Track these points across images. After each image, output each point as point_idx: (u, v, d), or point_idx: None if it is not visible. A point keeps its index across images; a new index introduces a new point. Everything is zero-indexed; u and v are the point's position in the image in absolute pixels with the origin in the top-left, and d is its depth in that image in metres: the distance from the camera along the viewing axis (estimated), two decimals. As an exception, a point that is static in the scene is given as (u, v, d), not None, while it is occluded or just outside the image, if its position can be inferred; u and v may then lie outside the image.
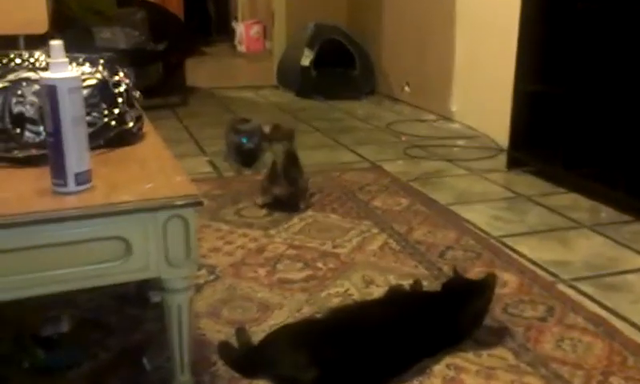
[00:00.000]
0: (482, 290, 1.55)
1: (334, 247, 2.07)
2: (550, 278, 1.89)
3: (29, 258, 1.06)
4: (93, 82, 1.37)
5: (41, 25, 2.00)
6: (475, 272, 1.85)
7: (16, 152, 1.27)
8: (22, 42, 1.98)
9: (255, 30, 7.28)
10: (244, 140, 2.69)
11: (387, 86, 4.70)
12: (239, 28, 7.46)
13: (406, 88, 4.45)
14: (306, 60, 4.62)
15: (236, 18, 7.80)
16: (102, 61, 1.43)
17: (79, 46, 1.42)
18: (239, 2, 7.80)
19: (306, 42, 4.65)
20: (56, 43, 1.11)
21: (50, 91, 1.09)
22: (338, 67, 4.68)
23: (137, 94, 1.47)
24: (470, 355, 1.48)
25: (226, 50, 7.51)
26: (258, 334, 1.52)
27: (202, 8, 8.01)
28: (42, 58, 1.42)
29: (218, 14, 8.27)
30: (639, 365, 1.46)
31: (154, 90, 3.89)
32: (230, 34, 7.76)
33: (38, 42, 1.64)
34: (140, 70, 3.86)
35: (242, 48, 7.32)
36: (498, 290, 1.76)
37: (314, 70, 4.62)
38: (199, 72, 5.20)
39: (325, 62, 4.60)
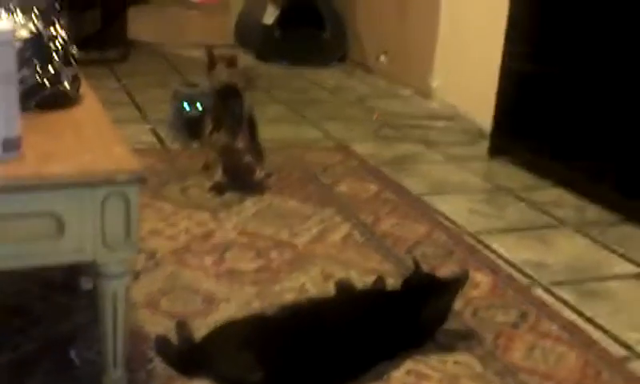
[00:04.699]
0: (446, 286, 1.63)
1: (291, 236, 2.12)
2: (525, 281, 1.99)
3: (-54, 232, 1.09)
4: (25, 34, 1.39)
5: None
6: (445, 272, 1.90)
7: None
8: None
9: (211, -23, 7.23)
10: (185, 106, 2.64)
11: (361, 53, 4.74)
12: (192, -27, 7.39)
13: (382, 57, 4.49)
14: (270, 18, 4.61)
15: (189, -38, 7.72)
16: (36, 9, 1.45)
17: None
18: (193, -58, 7.72)
19: (270, -4, 4.65)
20: (-14, -10, 1.13)
21: (-23, 44, 1.11)
22: (306, 28, 4.69)
23: (74, 49, 1.49)
24: (434, 361, 1.56)
25: (175, -2, 7.43)
26: (200, 329, 1.56)
27: (149, -53, 7.89)
28: (-34, 4, 1.43)
29: (167, -45, 8.17)
30: (615, 379, 1.56)
31: (90, 41, 3.84)
32: (181, -21, 7.68)
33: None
34: (73, 17, 3.81)
35: (194, -3, 7.26)
36: (468, 292, 1.83)
37: (278, 30, 4.62)
38: (143, 23, 5.14)
39: (291, 21, 4.60)
